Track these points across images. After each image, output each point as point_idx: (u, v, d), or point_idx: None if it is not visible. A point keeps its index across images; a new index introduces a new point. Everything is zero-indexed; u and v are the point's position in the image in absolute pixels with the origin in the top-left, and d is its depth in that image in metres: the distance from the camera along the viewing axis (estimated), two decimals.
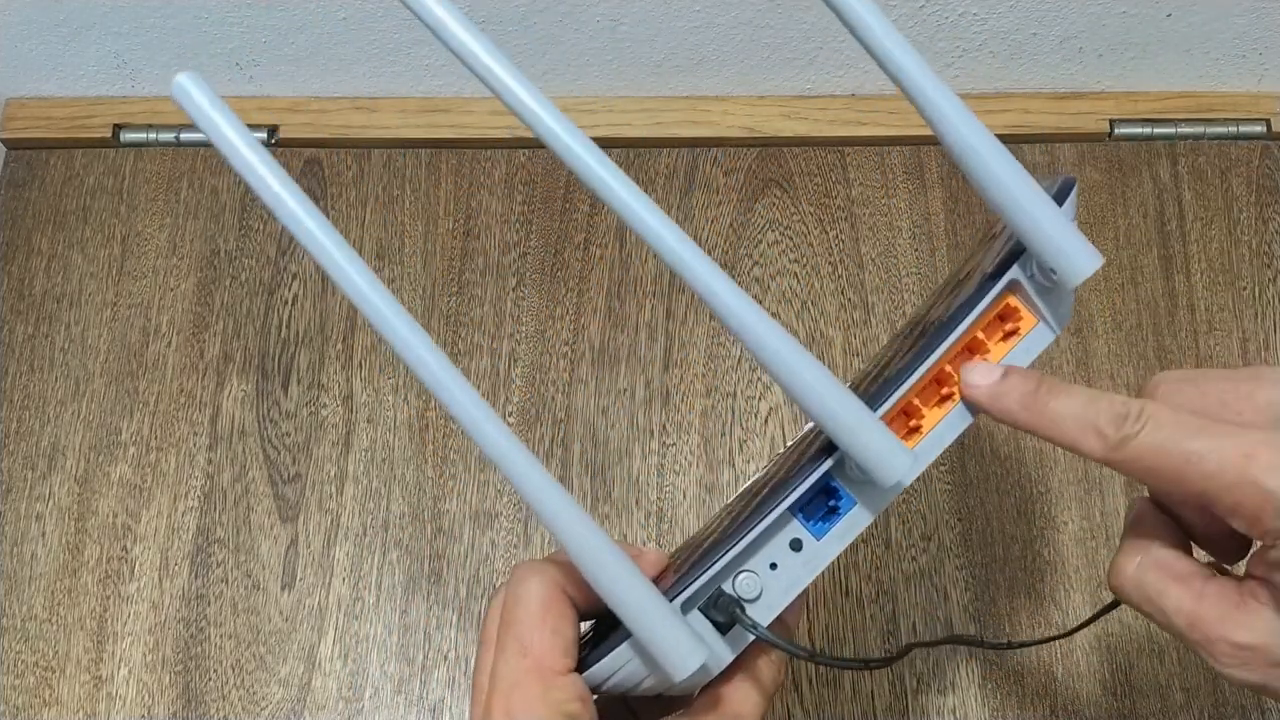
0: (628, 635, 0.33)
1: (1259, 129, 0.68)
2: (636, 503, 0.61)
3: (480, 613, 0.59)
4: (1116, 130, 0.69)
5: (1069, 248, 0.32)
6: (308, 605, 0.59)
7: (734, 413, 0.63)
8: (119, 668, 0.58)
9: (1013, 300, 0.35)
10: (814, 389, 0.32)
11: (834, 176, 0.68)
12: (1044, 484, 0.61)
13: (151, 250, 0.67)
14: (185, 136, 0.69)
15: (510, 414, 0.63)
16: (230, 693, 0.58)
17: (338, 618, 0.59)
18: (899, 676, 0.57)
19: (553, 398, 0.63)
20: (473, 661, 0.58)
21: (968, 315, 0.34)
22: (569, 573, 0.34)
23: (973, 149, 0.31)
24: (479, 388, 0.63)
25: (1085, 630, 0.58)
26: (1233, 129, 0.68)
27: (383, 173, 0.69)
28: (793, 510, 0.34)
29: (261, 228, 0.67)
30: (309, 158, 0.69)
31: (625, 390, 0.63)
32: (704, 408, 0.63)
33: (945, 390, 0.35)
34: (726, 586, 0.34)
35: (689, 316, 0.65)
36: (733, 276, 0.68)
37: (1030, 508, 0.60)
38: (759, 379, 0.63)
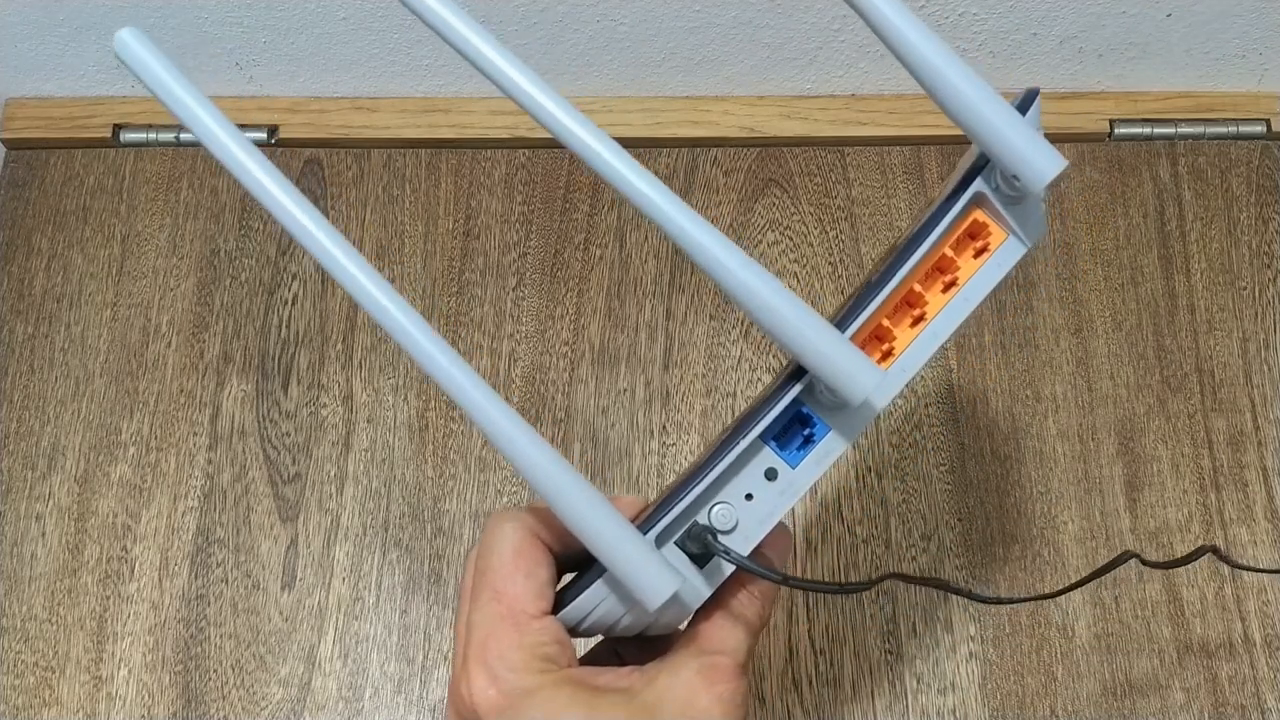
0: (602, 572, 0.33)
1: (1259, 129, 0.68)
2: None
3: None
4: (1116, 130, 0.69)
5: (1029, 151, 0.31)
6: (308, 605, 0.59)
7: (734, 413, 0.63)
8: (119, 668, 0.58)
9: (980, 215, 0.34)
10: (778, 310, 0.31)
11: (834, 176, 0.68)
12: (1044, 484, 0.61)
13: (151, 250, 0.67)
14: (185, 136, 0.69)
15: None
16: (230, 693, 0.58)
17: (338, 618, 0.59)
18: (899, 676, 0.57)
19: (553, 398, 0.63)
20: None
21: (933, 230, 0.33)
22: (543, 518, 0.34)
23: (931, 64, 0.31)
24: None
25: (1085, 630, 0.58)
26: (1233, 129, 0.68)
27: (383, 173, 0.69)
28: (764, 438, 0.33)
29: (261, 228, 0.67)
30: (309, 158, 0.69)
31: (625, 390, 0.63)
32: (704, 408, 0.63)
33: (917, 311, 0.34)
34: (701, 519, 0.33)
35: (689, 316, 0.65)
36: None
37: (1030, 508, 0.60)
38: (759, 379, 0.63)
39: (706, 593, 0.34)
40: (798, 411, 0.34)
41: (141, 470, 0.62)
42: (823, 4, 0.63)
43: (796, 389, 0.33)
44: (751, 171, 0.68)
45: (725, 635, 0.34)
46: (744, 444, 0.33)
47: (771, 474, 0.34)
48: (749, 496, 0.34)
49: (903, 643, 0.57)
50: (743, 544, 0.33)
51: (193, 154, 0.69)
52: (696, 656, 0.33)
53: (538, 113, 0.31)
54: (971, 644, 0.57)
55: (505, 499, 0.61)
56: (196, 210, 0.68)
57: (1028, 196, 0.33)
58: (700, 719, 0.32)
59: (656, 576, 0.32)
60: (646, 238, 0.67)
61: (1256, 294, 0.65)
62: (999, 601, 0.45)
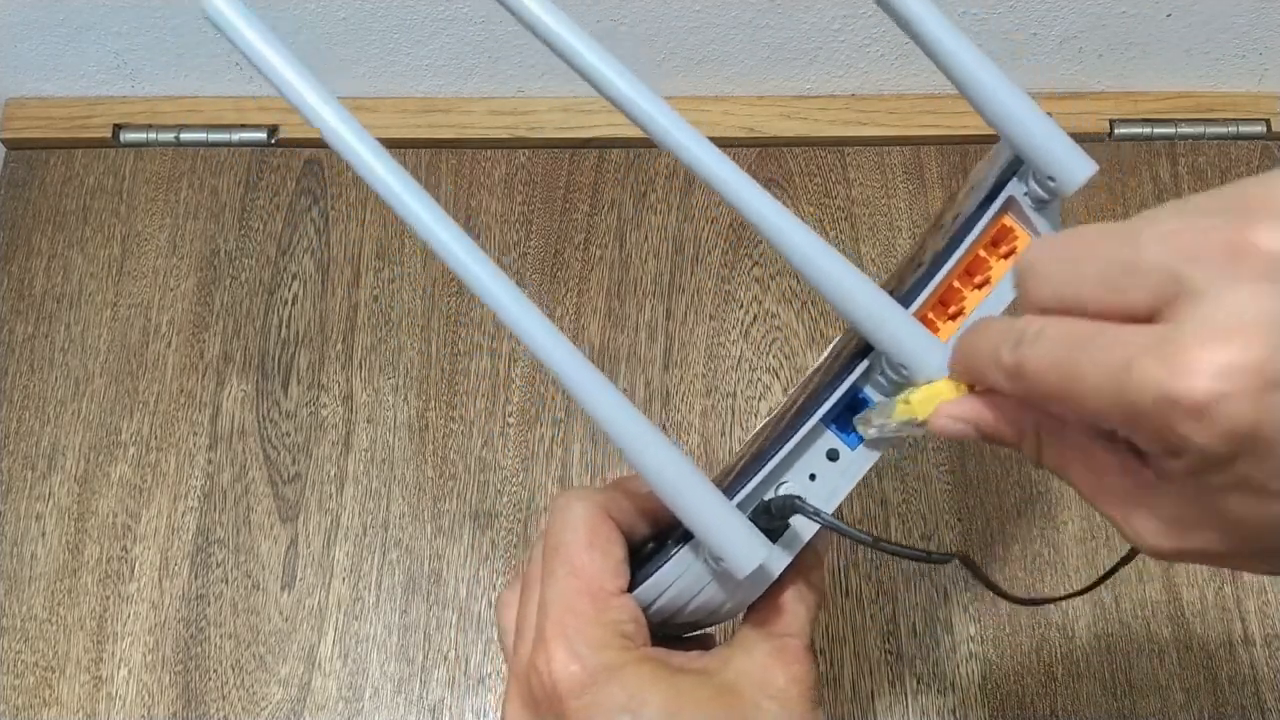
0: (681, 546, 0.33)
1: (1259, 129, 0.68)
2: None
3: (480, 613, 0.59)
4: (1116, 130, 0.69)
5: (1066, 155, 0.33)
6: (308, 605, 0.59)
7: (734, 413, 0.63)
8: (119, 668, 0.58)
9: (1007, 220, 0.35)
10: (847, 287, 0.32)
11: (834, 176, 0.68)
12: (1044, 484, 0.61)
13: (151, 250, 0.67)
14: (185, 136, 0.69)
15: (510, 414, 0.63)
16: (230, 693, 0.58)
17: (338, 618, 0.59)
18: (899, 676, 0.57)
19: (553, 398, 0.63)
20: (474, 659, 0.58)
21: (970, 231, 0.35)
22: (611, 498, 0.34)
23: (969, 70, 0.32)
24: (478, 388, 0.63)
25: (1085, 630, 0.58)
26: (1233, 129, 0.68)
27: None
28: (826, 421, 0.34)
29: (261, 228, 0.67)
30: (309, 158, 0.69)
31: (625, 390, 0.63)
32: (704, 408, 0.63)
33: (954, 308, 0.35)
34: (767, 497, 0.34)
35: (689, 316, 0.65)
36: (732, 276, 0.68)
37: (1030, 508, 0.60)
38: (759, 379, 0.63)
39: (781, 566, 0.34)
40: (855, 396, 0.35)
41: (141, 470, 0.62)
42: (823, 4, 0.63)
43: (858, 372, 0.34)
44: (751, 171, 0.68)
45: (791, 618, 0.34)
46: (808, 426, 0.33)
47: (833, 455, 0.34)
48: (812, 477, 0.34)
49: (903, 643, 0.58)
50: (806, 526, 0.34)
51: (193, 154, 0.69)
52: (767, 639, 0.33)
53: (630, 109, 0.32)
54: (971, 644, 0.57)
55: (505, 499, 0.61)
56: (196, 210, 0.68)
57: (1054, 200, 0.34)
58: (779, 698, 0.32)
59: (748, 542, 0.32)
60: (646, 238, 0.67)
61: None
62: (1032, 602, 0.44)
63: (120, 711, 0.57)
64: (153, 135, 0.70)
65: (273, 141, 0.69)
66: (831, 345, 0.42)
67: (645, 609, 0.34)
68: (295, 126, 0.69)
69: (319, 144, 0.69)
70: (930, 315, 0.35)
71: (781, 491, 0.34)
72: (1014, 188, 0.35)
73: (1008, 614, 0.58)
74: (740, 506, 0.33)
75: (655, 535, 0.36)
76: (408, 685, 0.58)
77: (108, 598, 0.59)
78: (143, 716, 0.57)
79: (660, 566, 0.33)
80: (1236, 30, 0.65)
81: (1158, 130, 0.68)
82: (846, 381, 0.34)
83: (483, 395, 0.63)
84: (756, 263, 0.66)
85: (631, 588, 0.33)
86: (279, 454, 0.62)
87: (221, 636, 0.59)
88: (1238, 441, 0.21)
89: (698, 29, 0.65)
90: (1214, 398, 0.21)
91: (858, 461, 0.34)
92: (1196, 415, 0.21)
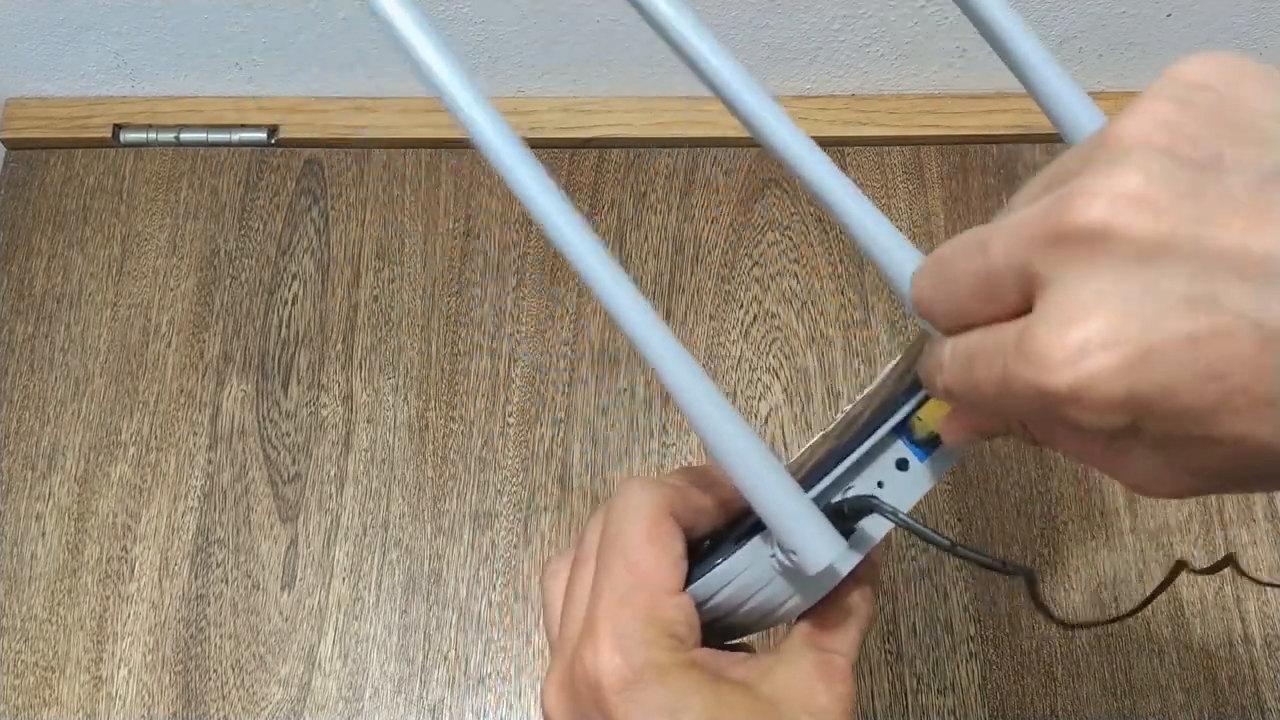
0: (746, 541, 0.32)
1: None
2: None
3: (480, 613, 0.59)
4: None
5: (805, 532, 0.31)
6: (308, 605, 0.59)
7: None
8: (119, 668, 0.58)
9: None
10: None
11: None
12: (1044, 484, 0.61)
13: (151, 250, 0.67)
14: (185, 136, 0.69)
15: (510, 414, 0.63)
16: (230, 693, 0.58)
17: (338, 618, 0.59)
18: (899, 676, 0.57)
19: (553, 398, 0.63)
20: (474, 659, 0.58)
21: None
22: (677, 492, 0.33)
23: (1039, 72, 0.30)
24: (478, 388, 0.63)
25: (1085, 630, 0.58)
26: None
27: (383, 173, 0.69)
28: (897, 432, 0.34)
29: (261, 228, 0.67)
30: (309, 158, 0.69)
31: (625, 390, 0.63)
32: None
33: None
34: (837, 499, 0.33)
35: (689, 317, 0.65)
36: (733, 276, 0.68)
37: (1030, 508, 0.60)
38: (759, 379, 0.63)
39: (848, 567, 0.33)
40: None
41: (141, 470, 0.62)
42: (823, 4, 0.63)
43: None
44: (751, 171, 0.68)
45: (840, 634, 0.33)
46: (879, 435, 0.33)
47: (903, 464, 0.34)
48: (880, 484, 0.34)
49: (903, 643, 0.57)
50: (878, 528, 0.33)
51: (193, 154, 0.69)
52: (814, 652, 0.33)
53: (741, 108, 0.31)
54: (971, 644, 0.57)
55: (505, 499, 0.61)
56: (196, 210, 0.68)
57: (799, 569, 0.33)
58: (820, 718, 0.31)
59: (824, 536, 0.31)
60: (646, 238, 0.67)
61: None
62: (1076, 625, 0.43)
63: (120, 711, 0.57)
64: (153, 135, 0.70)
65: (273, 141, 0.69)
66: (905, 352, 0.41)
67: (700, 605, 0.33)
68: (296, 126, 0.69)
69: (319, 144, 0.69)
70: None
71: (851, 494, 0.33)
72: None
73: (1008, 614, 0.58)
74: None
75: (712, 534, 0.35)
76: (408, 685, 0.58)
77: (108, 598, 0.59)
78: (143, 716, 0.57)
79: (726, 559, 0.32)
80: (1236, 30, 0.65)
81: None
82: (920, 392, 0.33)
83: (483, 395, 0.63)
84: (756, 262, 0.66)
85: (688, 583, 0.33)
86: (279, 454, 0.62)
87: (221, 636, 0.59)
88: (1126, 410, 0.22)
89: None
90: (1080, 382, 0.21)
91: (927, 473, 0.34)
92: (1074, 401, 0.22)
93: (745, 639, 0.36)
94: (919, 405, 0.34)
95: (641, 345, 0.32)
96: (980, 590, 0.58)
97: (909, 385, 0.34)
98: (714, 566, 0.33)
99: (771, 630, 0.36)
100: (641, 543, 0.32)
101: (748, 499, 0.31)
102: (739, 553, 0.32)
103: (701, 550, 0.35)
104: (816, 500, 0.32)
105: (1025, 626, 0.58)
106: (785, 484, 0.31)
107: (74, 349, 0.65)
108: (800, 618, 0.34)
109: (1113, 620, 0.53)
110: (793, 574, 0.32)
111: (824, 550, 0.31)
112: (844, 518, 0.32)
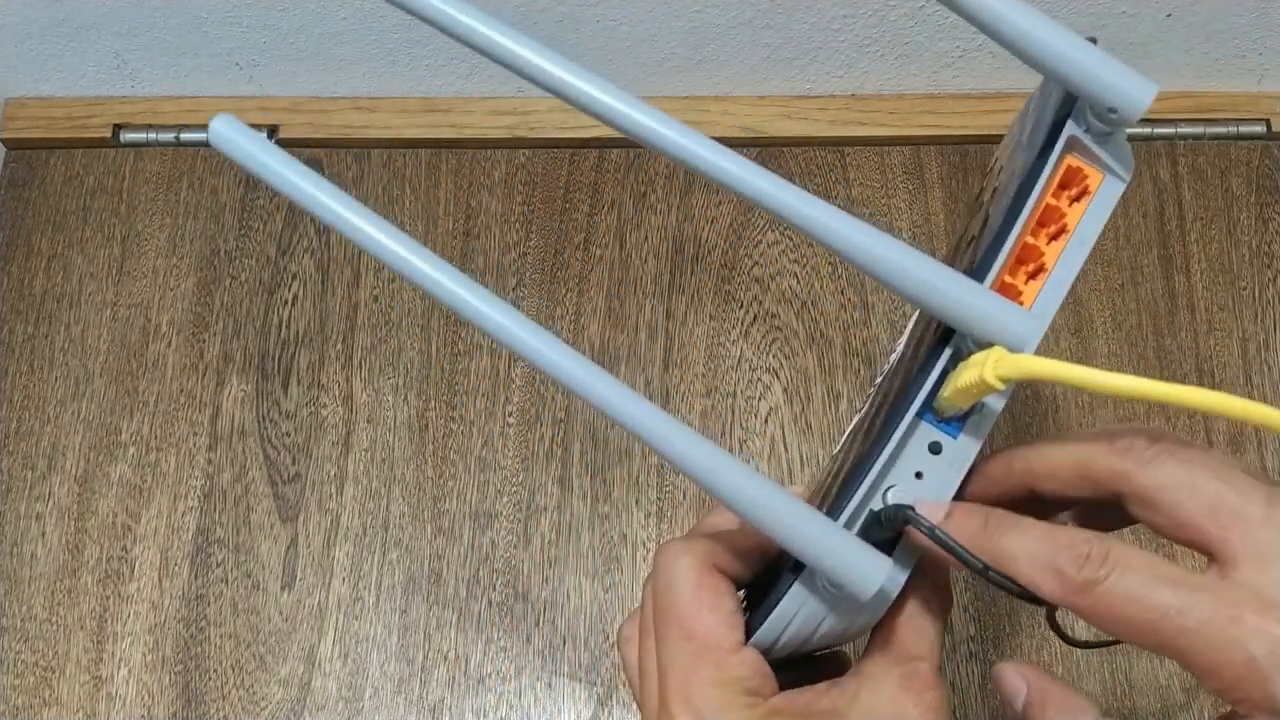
0: (793, 579, 0.31)
1: (1259, 129, 0.68)
2: (636, 503, 0.61)
3: (479, 613, 0.59)
4: None
5: (1123, 81, 0.31)
6: (308, 605, 0.59)
7: (734, 413, 0.63)
8: (119, 668, 0.58)
9: (1072, 161, 0.33)
10: (917, 274, 0.31)
11: (834, 176, 0.68)
12: None
13: (151, 250, 0.67)
14: (185, 137, 0.69)
15: (510, 414, 0.63)
16: (230, 693, 0.58)
17: (338, 618, 0.59)
18: None
19: (553, 398, 0.63)
20: (474, 659, 0.58)
21: (1036, 182, 0.33)
22: (715, 545, 0.33)
23: (1011, 21, 0.31)
24: (478, 388, 0.63)
25: (1085, 630, 0.58)
26: (1233, 129, 0.68)
27: (383, 173, 0.69)
28: (922, 415, 0.33)
29: (261, 228, 0.67)
30: (309, 158, 0.69)
31: None
32: (704, 408, 0.63)
33: (1033, 265, 0.34)
34: (875, 505, 0.32)
35: (689, 317, 0.65)
36: (733, 276, 0.68)
37: (1030, 508, 0.60)
38: (759, 379, 0.63)
39: (902, 578, 0.32)
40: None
41: (141, 470, 0.62)
42: (823, 4, 0.63)
43: (946, 358, 0.32)
44: None
45: (918, 638, 0.33)
46: (905, 423, 0.32)
47: (935, 448, 0.33)
48: (918, 475, 0.32)
49: None
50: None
51: (193, 154, 0.69)
52: (895, 665, 0.32)
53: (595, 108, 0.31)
54: (971, 644, 0.57)
55: (505, 498, 0.61)
56: (196, 210, 0.68)
57: (1118, 130, 0.33)
58: None
59: (865, 562, 0.30)
60: (646, 238, 0.67)
61: (1256, 294, 0.65)
62: (1087, 646, 0.43)
63: (120, 711, 0.57)
64: (153, 135, 0.70)
65: (273, 141, 0.69)
66: (905, 338, 0.40)
67: (768, 650, 0.32)
68: (296, 126, 0.69)
69: (319, 144, 0.69)
70: (1008, 279, 0.33)
71: (890, 497, 0.32)
72: (1072, 128, 0.33)
73: (1008, 614, 0.58)
74: (848, 522, 0.32)
75: (766, 569, 0.34)
76: (408, 685, 0.58)
77: (108, 598, 0.59)
78: (143, 716, 0.57)
79: (774, 607, 0.32)
80: (1236, 30, 0.65)
81: (1157, 130, 0.68)
82: (935, 369, 0.32)
83: (483, 395, 0.63)
84: (756, 262, 0.66)
85: (749, 632, 0.32)
86: (279, 454, 0.62)
87: (221, 636, 0.59)
88: None
89: (697, 29, 0.65)
90: None
91: (963, 450, 0.33)
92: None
93: (839, 648, 0.35)
94: (938, 383, 0.32)
95: (643, 433, 0.31)
96: (980, 590, 0.58)
97: (922, 365, 0.33)
98: (768, 613, 0.32)
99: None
100: (691, 609, 0.32)
101: (776, 542, 0.31)
102: (789, 593, 0.32)
103: (759, 588, 0.34)
104: (857, 510, 0.32)
105: (1025, 626, 0.58)
106: (810, 519, 0.31)
107: (74, 349, 0.65)
108: (875, 628, 0.34)
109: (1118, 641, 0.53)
110: (846, 602, 0.32)
111: (869, 576, 0.30)
112: (883, 526, 0.31)
